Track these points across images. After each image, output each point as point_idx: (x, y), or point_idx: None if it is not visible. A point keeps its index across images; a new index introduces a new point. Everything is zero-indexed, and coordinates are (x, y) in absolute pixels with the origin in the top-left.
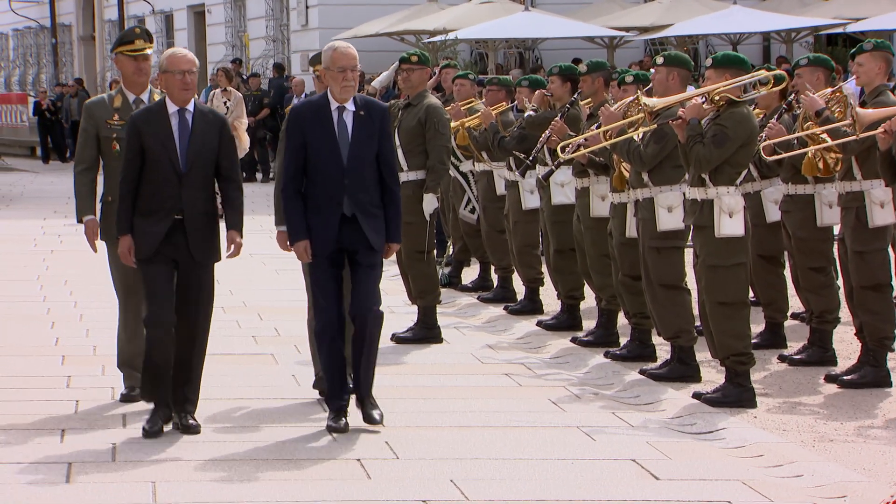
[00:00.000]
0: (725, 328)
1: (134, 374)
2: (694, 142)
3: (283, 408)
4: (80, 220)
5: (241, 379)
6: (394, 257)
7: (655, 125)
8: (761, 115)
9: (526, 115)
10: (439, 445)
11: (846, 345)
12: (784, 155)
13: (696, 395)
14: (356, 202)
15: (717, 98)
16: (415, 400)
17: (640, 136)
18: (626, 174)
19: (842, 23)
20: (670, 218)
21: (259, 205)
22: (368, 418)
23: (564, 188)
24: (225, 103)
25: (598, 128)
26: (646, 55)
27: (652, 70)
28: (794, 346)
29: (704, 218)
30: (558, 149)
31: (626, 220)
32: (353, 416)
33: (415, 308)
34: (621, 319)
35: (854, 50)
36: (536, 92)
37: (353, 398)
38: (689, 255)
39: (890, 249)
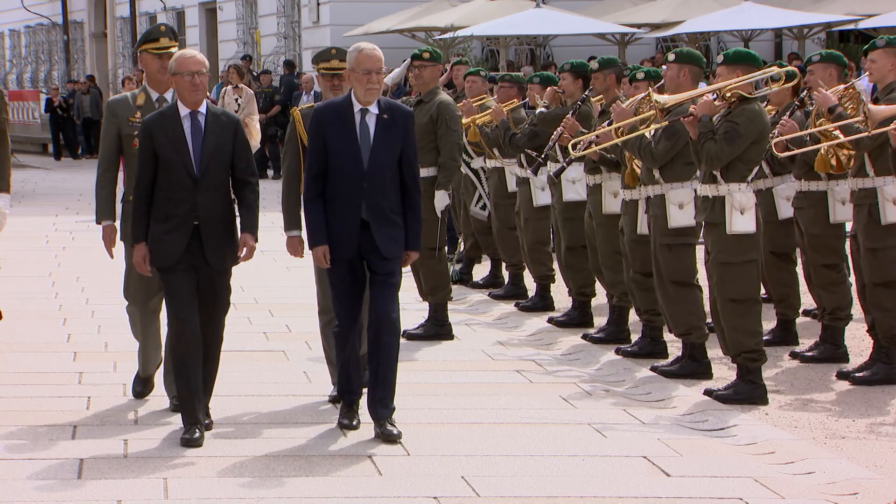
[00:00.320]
0: (737, 325)
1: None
2: (705, 139)
3: (295, 404)
4: (98, 223)
5: (252, 376)
6: None
7: (667, 122)
8: (773, 112)
9: (537, 111)
10: (450, 442)
11: (858, 341)
12: (796, 151)
13: (708, 392)
14: (374, 207)
15: (728, 95)
16: (426, 396)
17: (652, 132)
18: (638, 171)
19: (854, 19)
20: (681, 215)
21: (270, 201)
22: (388, 439)
23: (576, 185)
24: (237, 100)
25: (609, 124)
26: (658, 52)
27: (664, 67)
28: (805, 343)
29: (716, 215)
30: (569, 146)
31: (638, 216)
32: (363, 412)
33: (426, 305)
34: (632, 316)
35: (867, 46)
36: (548, 89)
37: (363, 405)
38: (700, 251)
39: None
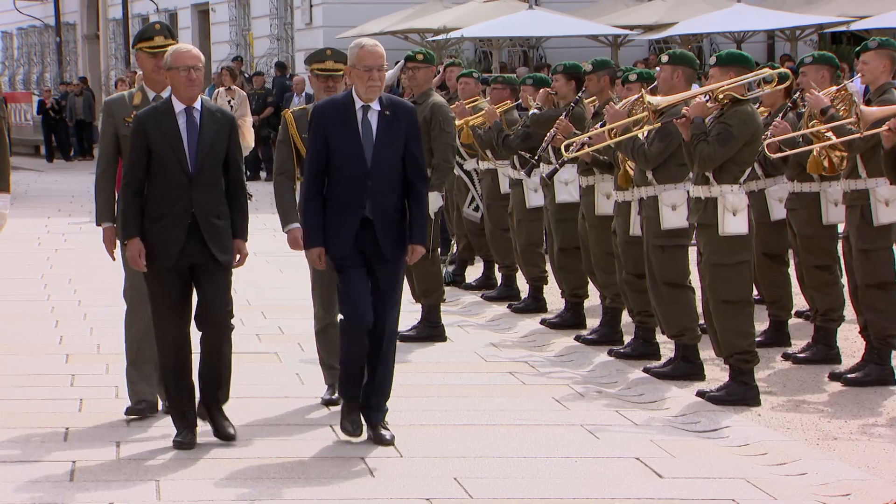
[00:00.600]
0: (729, 326)
1: (139, 385)
2: (698, 140)
3: (287, 406)
4: (98, 225)
5: (244, 377)
6: None
7: (660, 123)
8: (766, 114)
9: (530, 113)
10: (443, 444)
11: (850, 343)
12: (789, 152)
13: (700, 394)
14: (379, 206)
15: (721, 96)
16: (419, 398)
17: (645, 134)
18: (631, 172)
19: (846, 21)
20: (674, 216)
21: (263, 203)
22: (379, 440)
23: (568, 186)
24: (229, 102)
25: (602, 126)
26: (651, 54)
27: (657, 68)
28: (798, 345)
29: (708, 216)
30: (562, 147)
31: (631, 218)
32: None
33: (419, 306)
34: (625, 318)
35: (858, 48)
36: (541, 90)
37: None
38: (693, 253)
39: (895, 247)
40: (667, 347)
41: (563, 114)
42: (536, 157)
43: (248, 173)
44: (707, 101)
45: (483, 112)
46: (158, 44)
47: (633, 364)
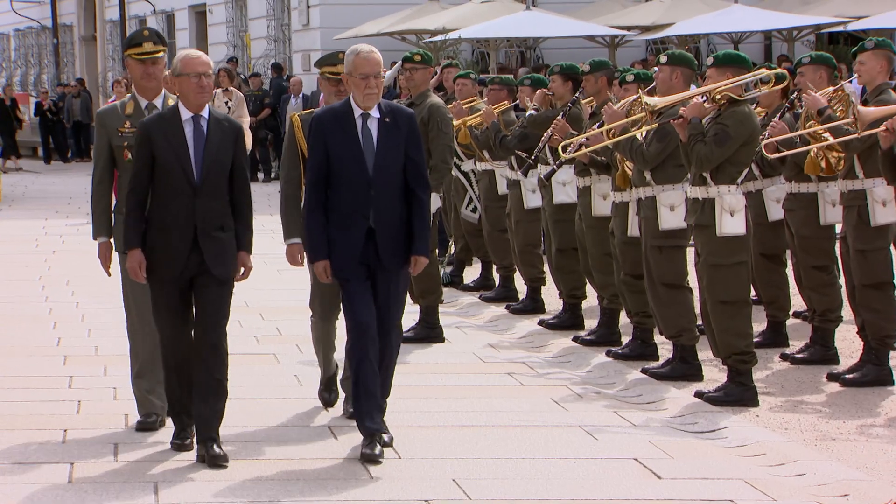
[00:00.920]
0: (727, 327)
1: (146, 399)
2: (695, 141)
3: (286, 408)
4: (95, 239)
5: (243, 379)
6: None
7: (657, 124)
8: (763, 114)
9: (527, 114)
10: (441, 445)
11: (848, 343)
12: (786, 153)
13: (698, 394)
14: (383, 215)
15: (718, 97)
16: (417, 399)
17: (643, 134)
18: (629, 173)
19: (843, 21)
20: (672, 217)
21: (260, 204)
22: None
23: (566, 187)
24: (227, 103)
25: (599, 127)
26: (649, 54)
27: (654, 69)
28: (796, 345)
29: (706, 217)
30: (560, 148)
31: (629, 219)
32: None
33: (417, 307)
34: (623, 318)
35: (855, 48)
36: (538, 91)
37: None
38: (690, 253)
39: (892, 248)
40: (665, 348)
41: (561, 114)
42: (533, 158)
43: None
44: (704, 101)
45: (480, 113)
46: (147, 50)
47: (631, 365)
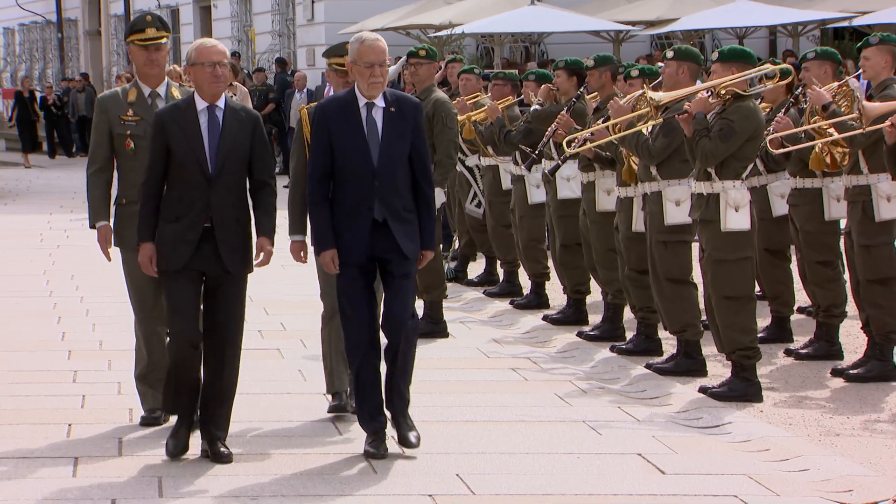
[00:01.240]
0: (731, 322)
1: (150, 393)
2: (700, 136)
3: (290, 402)
4: (92, 226)
5: (246, 374)
6: None
7: (663, 119)
8: (768, 109)
9: (532, 109)
10: (445, 440)
11: (852, 339)
12: (791, 148)
13: (703, 390)
14: (388, 206)
15: (723, 92)
16: (421, 394)
17: (649, 129)
18: (635, 167)
19: (848, 16)
20: (678, 212)
21: None
22: (404, 440)
23: (570, 182)
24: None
25: (604, 122)
26: (655, 49)
27: (659, 64)
28: (800, 341)
29: (710, 212)
30: (564, 143)
31: (633, 214)
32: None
33: (421, 303)
34: (627, 314)
35: (860, 44)
36: (543, 86)
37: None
38: (695, 249)
39: None
40: (669, 343)
41: (565, 109)
42: (537, 153)
43: None
44: (709, 96)
45: (485, 108)
46: (150, 36)
47: (635, 360)
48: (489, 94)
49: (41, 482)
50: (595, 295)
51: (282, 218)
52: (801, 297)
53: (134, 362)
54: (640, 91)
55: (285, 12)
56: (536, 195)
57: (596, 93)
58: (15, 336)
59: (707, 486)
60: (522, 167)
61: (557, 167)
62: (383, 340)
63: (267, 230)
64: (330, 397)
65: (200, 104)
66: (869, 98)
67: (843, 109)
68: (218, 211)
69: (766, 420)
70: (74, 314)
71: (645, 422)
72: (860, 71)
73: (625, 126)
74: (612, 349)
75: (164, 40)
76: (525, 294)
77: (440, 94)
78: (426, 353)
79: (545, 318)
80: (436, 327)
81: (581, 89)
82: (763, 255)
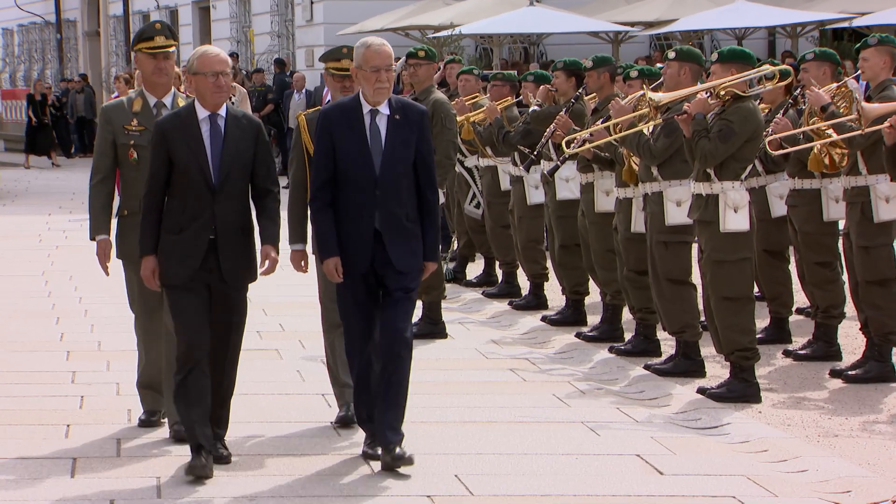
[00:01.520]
0: (730, 323)
1: (151, 396)
2: (699, 137)
3: (288, 403)
4: (92, 238)
5: (245, 374)
6: None
7: (663, 119)
8: (766, 110)
9: (530, 110)
10: (444, 441)
11: (851, 340)
12: (790, 149)
13: (701, 391)
14: (389, 216)
15: (722, 93)
16: (419, 395)
17: (650, 129)
18: (636, 168)
19: (847, 17)
20: (679, 212)
21: None
22: (397, 461)
23: (569, 183)
24: (230, 98)
25: (603, 122)
26: (654, 51)
27: (658, 65)
28: (799, 342)
29: (709, 213)
30: (563, 143)
31: (632, 214)
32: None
33: (419, 303)
34: (626, 314)
35: (859, 45)
36: (541, 87)
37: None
38: (694, 249)
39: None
40: (668, 344)
41: (563, 110)
42: (536, 154)
43: None
44: (708, 97)
45: (484, 109)
46: (159, 44)
47: (633, 361)
48: (488, 94)
49: (39, 483)
50: (594, 296)
51: (282, 218)
52: (800, 298)
53: (136, 367)
54: (641, 92)
55: (284, 13)
56: (535, 196)
57: (594, 94)
58: (13, 336)
59: (705, 486)
60: (521, 168)
61: (556, 168)
62: None
63: (271, 237)
64: (336, 407)
65: (202, 113)
66: (868, 99)
67: (841, 110)
68: (222, 221)
69: (764, 421)
70: (73, 315)
71: (643, 423)
72: (859, 72)
73: (626, 126)
74: (611, 350)
75: (172, 49)
76: (524, 295)
77: (439, 94)
78: (425, 353)
79: (544, 318)
80: (434, 328)
81: (580, 90)
82: (762, 255)
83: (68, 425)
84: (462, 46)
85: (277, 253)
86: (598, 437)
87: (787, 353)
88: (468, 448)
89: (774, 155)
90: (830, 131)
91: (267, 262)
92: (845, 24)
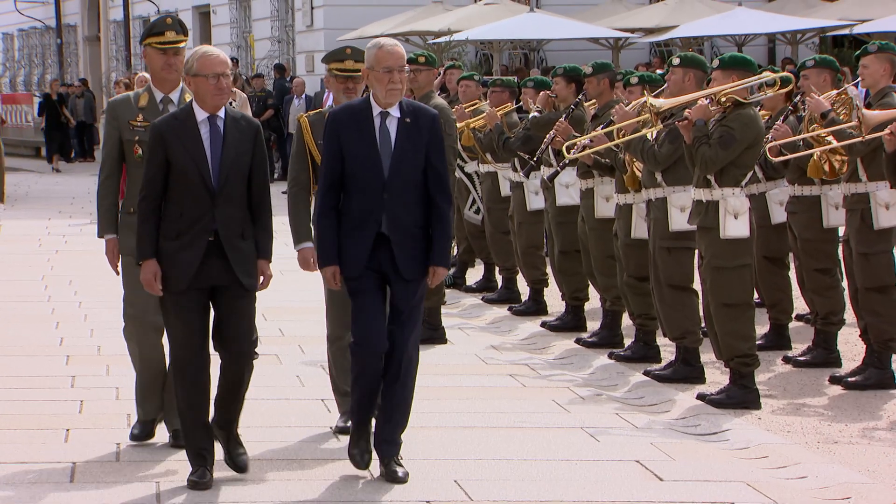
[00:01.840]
0: (730, 329)
1: (146, 404)
2: (700, 143)
3: (287, 408)
4: (100, 236)
5: None
6: None
7: (665, 126)
8: (766, 117)
9: (530, 116)
10: (443, 446)
11: (851, 346)
12: (790, 156)
13: (701, 397)
14: (396, 221)
15: (723, 99)
16: (419, 400)
17: (654, 135)
18: (639, 174)
19: (848, 24)
20: (683, 218)
21: None
22: (392, 477)
23: (569, 189)
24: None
25: (603, 128)
26: (653, 57)
27: (658, 71)
28: (798, 348)
29: (710, 219)
30: (564, 149)
31: (632, 220)
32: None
33: None
34: (626, 320)
35: (859, 52)
36: (541, 93)
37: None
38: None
39: (895, 251)
40: (667, 350)
41: (563, 116)
42: (536, 160)
43: None
44: (709, 103)
45: (484, 115)
46: (170, 39)
47: (633, 367)
48: (488, 100)
49: (39, 488)
50: (593, 302)
51: (279, 224)
52: (800, 305)
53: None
54: (643, 98)
55: (284, 18)
56: (535, 202)
57: (594, 100)
58: (13, 341)
59: (705, 493)
60: (521, 174)
61: (556, 174)
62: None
63: (266, 251)
64: (336, 412)
65: (200, 114)
66: (868, 106)
67: (841, 117)
68: (223, 225)
69: (764, 427)
70: (73, 319)
71: (643, 429)
72: (859, 79)
73: (629, 132)
74: (611, 356)
75: (182, 44)
76: (523, 300)
77: (439, 100)
78: (424, 358)
79: (543, 324)
80: (434, 333)
81: (579, 96)
82: (762, 262)
83: (68, 430)
84: (462, 52)
85: (269, 268)
86: (598, 442)
87: (786, 360)
88: (468, 453)
89: (774, 161)
90: (830, 138)
91: (262, 278)
92: (845, 32)
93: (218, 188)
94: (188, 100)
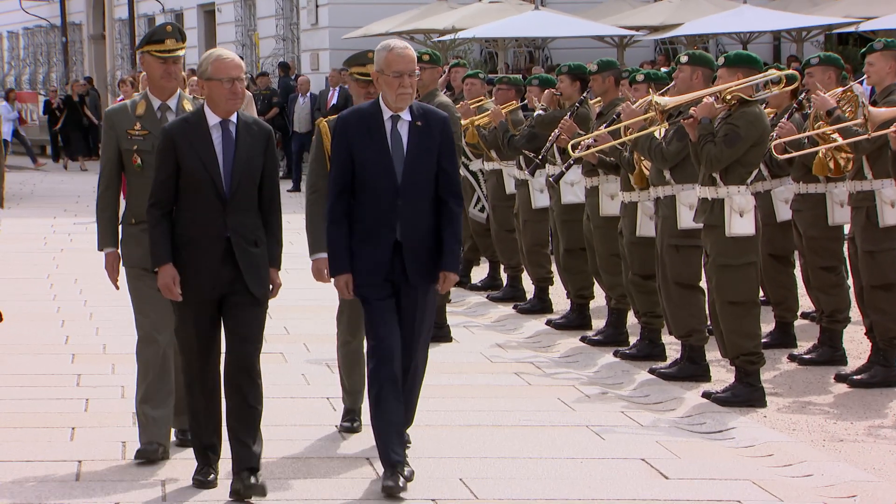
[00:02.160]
0: (735, 328)
1: (152, 427)
2: (705, 141)
3: (293, 406)
4: (100, 250)
5: None
6: None
7: (677, 122)
8: (772, 115)
9: (535, 114)
10: (448, 444)
11: (856, 344)
12: (795, 154)
13: (706, 395)
14: (411, 228)
15: (729, 97)
16: (424, 399)
17: (661, 133)
18: (647, 172)
19: (853, 21)
20: (691, 216)
21: None
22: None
23: (574, 187)
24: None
25: (608, 126)
26: (658, 55)
27: (663, 69)
28: (804, 346)
29: (715, 217)
30: (569, 147)
31: (637, 218)
32: (363, 414)
33: None
34: (631, 318)
35: (864, 49)
36: (546, 91)
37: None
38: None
39: None
40: (672, 348)
41: (568, 114)
42: (541, 157)
43: None
44: (715, 101)
45: (489, 112)
46: (169, 48)
47: (638, 365)
48: (493, 98)
49: (44, 486)
50: (599, 300)
51: (283, 222)
52: (805, 303)
53: (136, 385)
54: (649, 97)
55: (289, 17)
56: (540, 199)
57: (599, 98)
58: (18, 339)
59: (710, 491)
60: (526, 172)
61: (562, 174)
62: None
63: (276, 260)
64: (341, 411)
65: (212, 119)
66: (873, 103)
67: (846, 115)
68: (235, 232)
69: (769, 425)
70: (78, 318)
71: (648, 427)
72: (864, 76)
73: (636, 130)
74: (616, 354)
75: (181, 52)
76: (528, 298)
77: (444, 98)
78: (429, 357)
79: (548, 322)
80: (439, 332)
81: (584, 94)
82: (767, 260)
83: (73, 428)
84: (467, 50)
85: (279, 270)
86: (603, 440)
87: (792, 358)
88: (473, 451)
89: (780, 159)
90: (836, 136)
91: (272, 287)
92: (851, 29)
93: (230, 194)
94: (186, 106)
